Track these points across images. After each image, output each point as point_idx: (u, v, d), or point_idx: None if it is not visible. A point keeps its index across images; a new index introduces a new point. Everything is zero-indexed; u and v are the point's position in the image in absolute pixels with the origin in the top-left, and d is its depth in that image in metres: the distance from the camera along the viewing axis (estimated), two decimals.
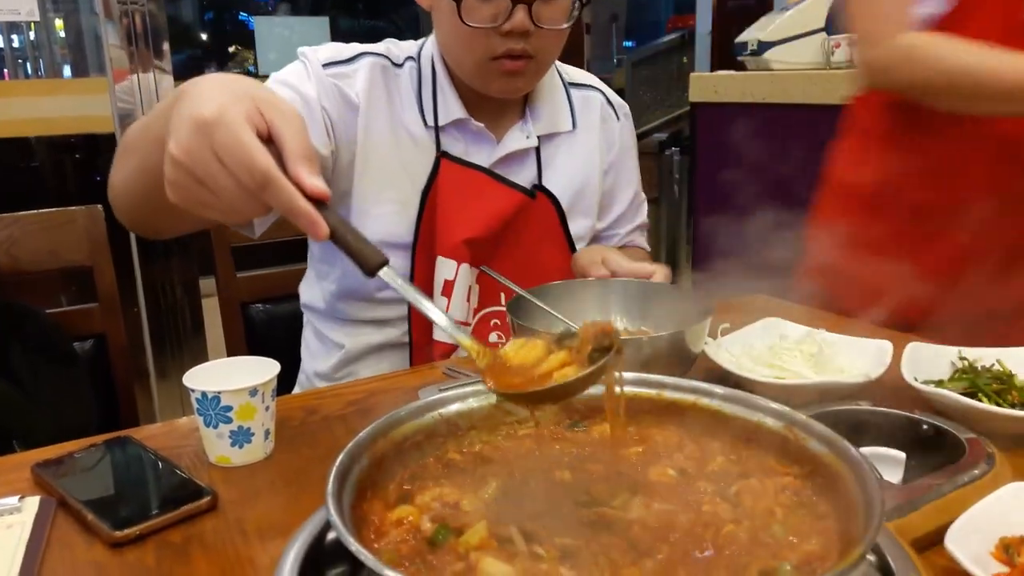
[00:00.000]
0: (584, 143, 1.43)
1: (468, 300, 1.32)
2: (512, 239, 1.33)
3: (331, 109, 1.23)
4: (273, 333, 1.59)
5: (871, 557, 0.60)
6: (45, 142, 2.76)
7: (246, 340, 1.59)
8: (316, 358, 1.41)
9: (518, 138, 1.34)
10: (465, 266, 1.28)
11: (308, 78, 1.23)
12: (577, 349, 0.66)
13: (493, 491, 0.65)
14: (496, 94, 1.27)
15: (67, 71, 2.90)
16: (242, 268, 1.58)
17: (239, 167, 0.67)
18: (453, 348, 1.30)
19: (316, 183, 0.68)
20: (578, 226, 1.41)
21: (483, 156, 1.32)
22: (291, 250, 1.45)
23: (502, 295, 1.35)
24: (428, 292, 1.28)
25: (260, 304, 1.60)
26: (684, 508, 0.62)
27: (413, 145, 1.29)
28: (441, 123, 1.29)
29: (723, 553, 0.57)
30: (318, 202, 0.68)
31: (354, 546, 0.51)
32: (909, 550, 0.61)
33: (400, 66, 1.30)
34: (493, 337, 1.35)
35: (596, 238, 1.49)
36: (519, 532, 0.58)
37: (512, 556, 0.56)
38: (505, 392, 0.65)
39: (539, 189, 1.36)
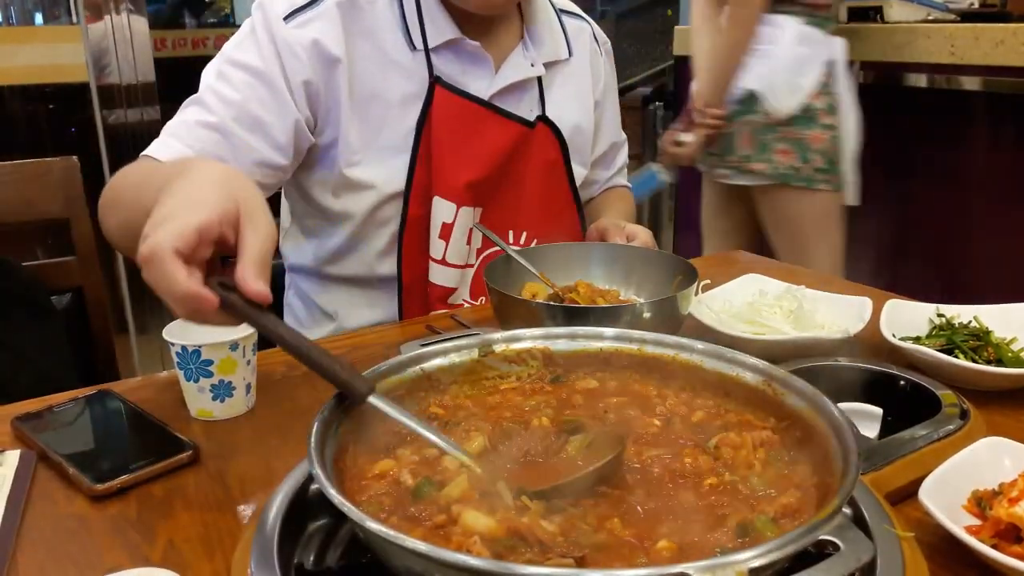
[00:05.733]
0: (579, 74, 1.37)
1: (469, 243, 1.26)
2: (514, 175, 1.27)
3: (302, 72, 1.12)
4: None
5: (847, 509, 0.61)
6: (18, 91, 2.70)
7: None
8: (304, 326, 1.36)
9: (521, 65, 1.26)
10: (465, 208, 1.22)
11: (270, 46, 1.11)
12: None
13: (476, 445, 0.66)
14: (475, 9, 1.18)
15: (39, 18, 2.82)
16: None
17: (167, 295, 0.67)
18: (451, 291, 1.27)
19: (259, 288, 0.66)
20: (575, 165, 1.34)
21: (482, 84, 1.23)
22: (271, 203, 1.44)
23: (511, 233, 1.29)
24: (424, 235, 1.22)
25: None
26: (664, 462, 0.63)
27: (402, 75, 1.19)
28: (431, 45, 1.19)
29: (702, 505, 0.57)
30: (290, 343, 0.65)
31: (336, 498, 0.51)
32: (884, 503, 0.63)
33: None
34: None
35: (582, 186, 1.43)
36: (505, 486, 0.59)
37: (493, 508, 0.56)
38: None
39: (541, 120, 1.28)
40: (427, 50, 1.19)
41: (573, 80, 1.36)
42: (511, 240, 1.30)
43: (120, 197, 1.03)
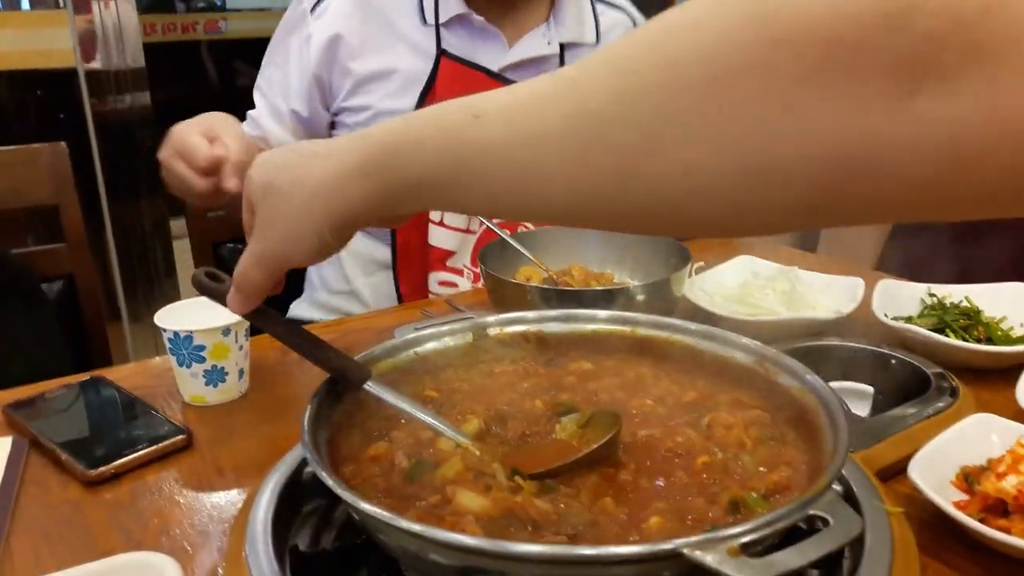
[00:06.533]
0: None
1: None
2: None
3: (312, 66, 1.25)
4: None
5: (837, 486, 0.62)
6: (5, 77, 2.67)
7: None
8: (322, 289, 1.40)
9: (538, 43, 1.28)
10: None
11: (293, 39, 1.26)
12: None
13: (471, 427, 0.66)
14: None
15: (25, 3, 2.79)
16: (213, 207, 1.56)
17: (187, 156, 1.02)
18: (450, 253, 1.28)
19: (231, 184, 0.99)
20: None
21: (493, 59, 1.26)
22: None
23: None
24: None
25: (232, 243, 1.58)
26: (657, 441, 0.63)
27: (411, 50, 1.24)
28: (442, 19, 1.23)
29: (694, 483, 0.58)
30: (281, 333, 0.64)
31: (330, 480, 0.51)
32: (874, 479, 0.63)
33: None
34: None
35: None
36: (499, 466, 0.59)
37: (488, 488, 0.57)
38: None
39: None
40: (437, 24, 1.23)
41: None
42: None
43: None
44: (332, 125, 1.32)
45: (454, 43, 1.24)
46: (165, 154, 1.05)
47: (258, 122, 1.30)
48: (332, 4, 1.24)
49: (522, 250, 1.11)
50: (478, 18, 1.24)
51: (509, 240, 1.12)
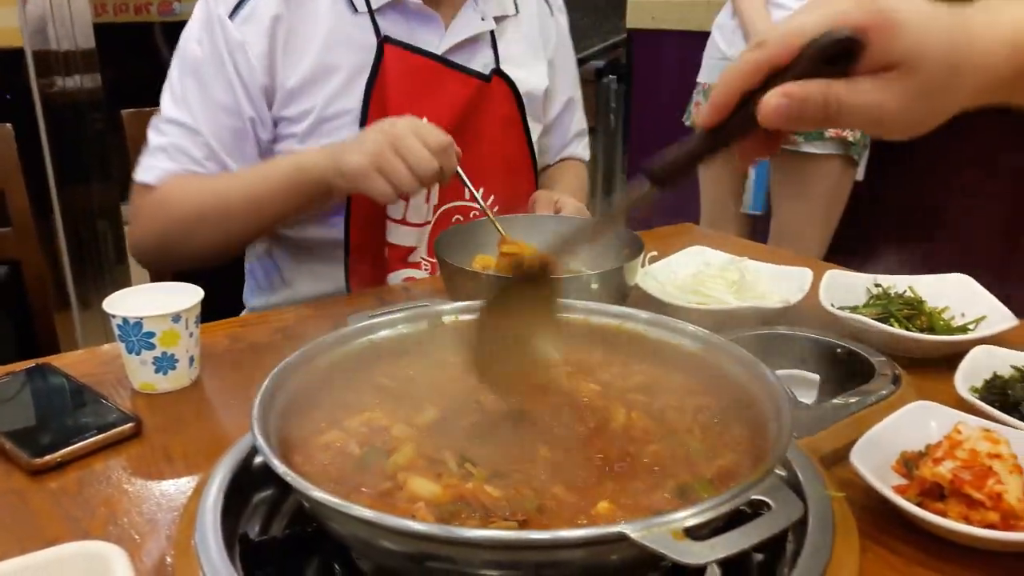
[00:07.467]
0: (528, 32, 1.36)
1: (427, 200, 1.25)
2: (472, 130, 1.25)
3: (268, 75, 1.17)
4: None
5: (782, 472, 0.63)
6: None
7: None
8: (262, 290, 1.36)
9: (472, 20, 1.26)
10: None
11: (223, 54, 1.15)
12: None
13: (424, 415, 0.66)
14: None
15: None
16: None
17: (431, 136, 1.03)
18: (410, 250, 1.25)
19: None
20: (530, 121, 1.35)
21: (433, 41, 1.23)
22: None
23: (466, 190, 1.26)
24: None
25: None
26: (607, 426, 0.64)
27: (347, 43, 1.18)
28: (375, 6, 1.19)
29: (642, 469, 0.59)
30: None
31: (280, 468, 0.51)
32: (817, 465, 0.65)
33: None
34: None
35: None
36: (451, 453, 0.59)
37: (439, 475, 0.57)
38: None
39: (496, 73, 1.29)
40: (371, 12, 1.19)
41: (522, 38, 1.35)
42: (467, 196, 1.29)
43: (211, 210, 1.15)
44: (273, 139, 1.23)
45: (393, 30, 1.20)
46: (401, 129, 1.03)
47: (212, 154, 1.17)
48: (256, 5, 1.15)
49: (498, 227, 1.10)
50: (415, 1, 1.21)
51: (492, 218, 1.11)
